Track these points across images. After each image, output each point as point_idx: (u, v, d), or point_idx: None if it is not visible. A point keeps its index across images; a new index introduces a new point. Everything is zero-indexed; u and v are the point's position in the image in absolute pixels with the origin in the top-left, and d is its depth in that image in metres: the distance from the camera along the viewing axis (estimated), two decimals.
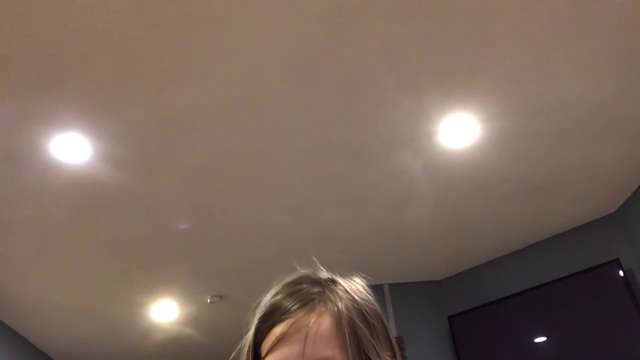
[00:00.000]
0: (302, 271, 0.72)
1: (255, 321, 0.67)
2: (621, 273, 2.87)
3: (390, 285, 3.58)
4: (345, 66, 1.99)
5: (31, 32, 1.73)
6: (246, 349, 0.68)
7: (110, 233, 2.77)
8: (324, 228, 2.96)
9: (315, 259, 0.76)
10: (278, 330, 0.63)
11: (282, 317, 0.64)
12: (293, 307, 0.65)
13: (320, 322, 0.63)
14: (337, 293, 0.67)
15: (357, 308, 0.66)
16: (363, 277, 0.74)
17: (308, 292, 0.67)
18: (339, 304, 0.65)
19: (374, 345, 0.64)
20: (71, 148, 2.18)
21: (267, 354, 0.63)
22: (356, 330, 0.64)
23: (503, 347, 3.23)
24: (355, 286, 0.70)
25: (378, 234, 3.09)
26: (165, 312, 3.67)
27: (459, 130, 2.34)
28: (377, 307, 0.70)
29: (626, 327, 2.79)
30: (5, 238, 2.71)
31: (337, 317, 0.64)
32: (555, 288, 3.10)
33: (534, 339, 3.15)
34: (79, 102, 2.00)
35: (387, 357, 0.65)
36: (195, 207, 2.69)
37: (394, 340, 0.69)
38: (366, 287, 0.72)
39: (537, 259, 3.32)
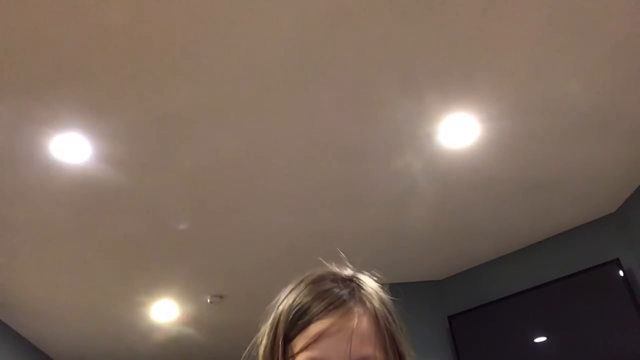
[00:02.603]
0: (325, 268, 0.74)
1: (282, 317, 0.68)
2: (621, 273, 2.87)
3: (391, 285, 3.57)
4: (345, 66, 1.99)
5: (31, 32, 1.73)
6: (272, 343, 0.67)
7: (110, 233, 2.77)
8: (324, 228, 2.96)
9: (342, 254, 0.78)
10: (317, 327, 0.64)
11: (320, 314, 0.65)
12: (330, 306, 0.66)
13: (362, 322, 0.66)
14: (369, 293, 0.70)
15: (387, 308, 0.70)
16: (369, 274, 0.75)
17: (340, 291, 0.68)
18: (375, 305, 0.69)
19: (405, 345, 0.68)
20: (71, 148, 2.18)
21: (302, 349, 0.64)
22: (392, 330, 0.68)
23: (503, 347, 3.23)
24: (375, 284, 0.74)
25: (378, 234, 3.09)
26: (165, 312, 3.67)
27: (459, 130, 2.34)
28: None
29: (626, 327, 2.79)
30: (5, 238, 2.71)
31: (375, 318, 0.67)
32: (555, 288, 3.10)
33: (534, 339, 3.15)
34: (79, 102, 2.00)
35: (412, 356, 0.69)
36: (195, 207, 2.68)
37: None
38: (379, 285, 0.75)
39: (537, 259, 3.32)
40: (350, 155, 2.44)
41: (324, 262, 0.76)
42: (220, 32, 1.82)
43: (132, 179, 2.41)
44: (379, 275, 0.76)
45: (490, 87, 2.15)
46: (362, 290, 0.70)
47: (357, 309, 0.67)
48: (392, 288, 0.76)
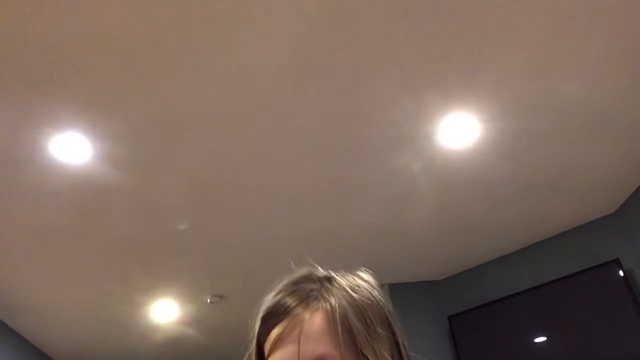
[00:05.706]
0: (301, 270, 0.72)
1: (257, 324, 0.68)
2: (621, 273, 2.87)
3: (390, 285, 3.57)
4: (345, 66, 1.99)
5: (31, 31, 1.73)
6: (252, 351, 0.68)
7: (110, 233, 2.77)
8: (324, 228, 2.96)
9: (310, 259, 0.75)
10: (276, 331, 0.63)
11: (279, 317, 0.64)
12: (289, 307, 0.64)
13: (314, 320, 0.62)
14: (332, 290, 0.66)
15: (353, 304, 0.65)
16: (370, 273, 0.72)
17: (304, 291, 0.66)
18: (332, 301, 0.64)
19: (370, 343, 0.62)
20: (71, 148, 2.18)
21: (268, 355, 0.64)
22: (350, 327, 0.62)
23: (503, 347, 3.23)
24: (355, 282, 0.69)
25: (378, 234, 3.08)
26: (165, 312, 3.67)
27: (459, 130, 2.34)
28: (381, 304, 0.68)
29: (626, 327, 2.79)
30: (5, 238, 2.71)
31: (330, 314, 0.63)
32: (555, 288, 3.10)
33: (534, 339, 3.15)
34: (79, 102, 2.00)
35: (387, 356, 0.62)
36: (195, 207, 2.68)
37: (401, 340, 0.67)
38: (371, 283, 0.70)
39: (537, 259, 3.32)
40: (350, 154, 2.44)
41: (316, 264, 0.74)
42: (220, 33, 1.82)
43: (132, 179, 2.41)
44: (366, 269, 0.73)
45: (490, 87, 2.15)
46: (326, 289, 0.66)
47: (312, 306, 0.64)
48: (392, 288, 0.73)
